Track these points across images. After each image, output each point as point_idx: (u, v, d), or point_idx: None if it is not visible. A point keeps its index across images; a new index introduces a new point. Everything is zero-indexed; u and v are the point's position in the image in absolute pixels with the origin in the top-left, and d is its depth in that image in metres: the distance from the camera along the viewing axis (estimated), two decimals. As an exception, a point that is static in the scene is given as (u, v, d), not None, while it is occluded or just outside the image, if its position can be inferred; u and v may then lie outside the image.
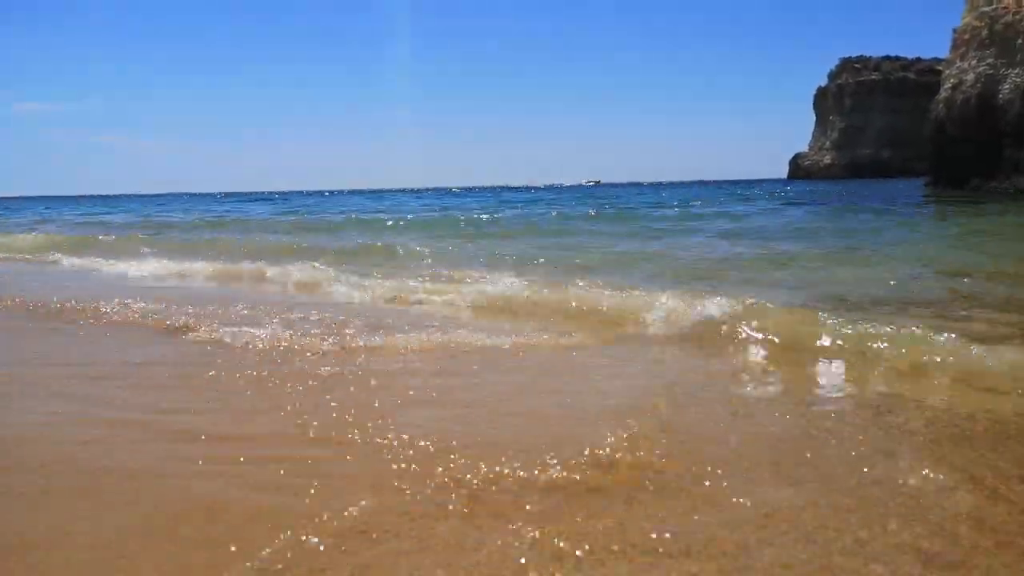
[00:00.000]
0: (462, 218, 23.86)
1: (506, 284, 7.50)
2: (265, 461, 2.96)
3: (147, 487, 2.74)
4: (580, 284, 7.27)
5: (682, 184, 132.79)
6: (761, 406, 3.71)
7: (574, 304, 6.45)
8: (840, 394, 3.97)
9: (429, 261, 11.15)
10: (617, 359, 4.81)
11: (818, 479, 2.74)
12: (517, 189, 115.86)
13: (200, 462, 2.97)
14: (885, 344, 4.54)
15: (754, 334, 5.17)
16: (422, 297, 7.33)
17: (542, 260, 10.77)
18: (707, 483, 2.70)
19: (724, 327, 5.34)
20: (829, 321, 5.04)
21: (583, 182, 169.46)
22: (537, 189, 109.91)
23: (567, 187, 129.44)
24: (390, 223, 22.27)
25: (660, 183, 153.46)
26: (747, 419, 3.45)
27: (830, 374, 4.39)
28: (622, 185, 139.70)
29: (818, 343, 4.82)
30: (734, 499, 2.56)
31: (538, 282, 7.55)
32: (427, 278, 8.34)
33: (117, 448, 3.17)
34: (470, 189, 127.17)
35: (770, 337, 5.08)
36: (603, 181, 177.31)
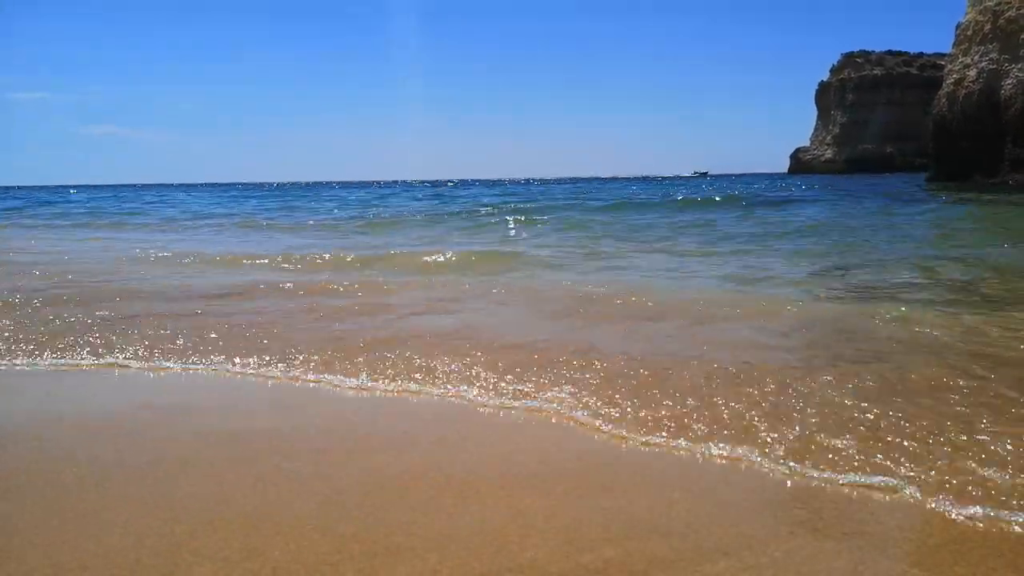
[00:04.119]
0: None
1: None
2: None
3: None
4: None
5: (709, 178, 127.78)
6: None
7: None
8: None
9: None
10: None
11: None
12: (635, 180, 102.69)
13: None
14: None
15: None
16: None
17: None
18: None
19: None
20: None
21: (692, 173, 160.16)
22: (657, 180, 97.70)
23: (679, 178, 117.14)
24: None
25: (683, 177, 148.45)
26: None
27: None
28: (732, 176, 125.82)
29: None
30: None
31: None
32: None
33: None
34: (575, 180, 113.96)
35: None
36: (710, 173, 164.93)
